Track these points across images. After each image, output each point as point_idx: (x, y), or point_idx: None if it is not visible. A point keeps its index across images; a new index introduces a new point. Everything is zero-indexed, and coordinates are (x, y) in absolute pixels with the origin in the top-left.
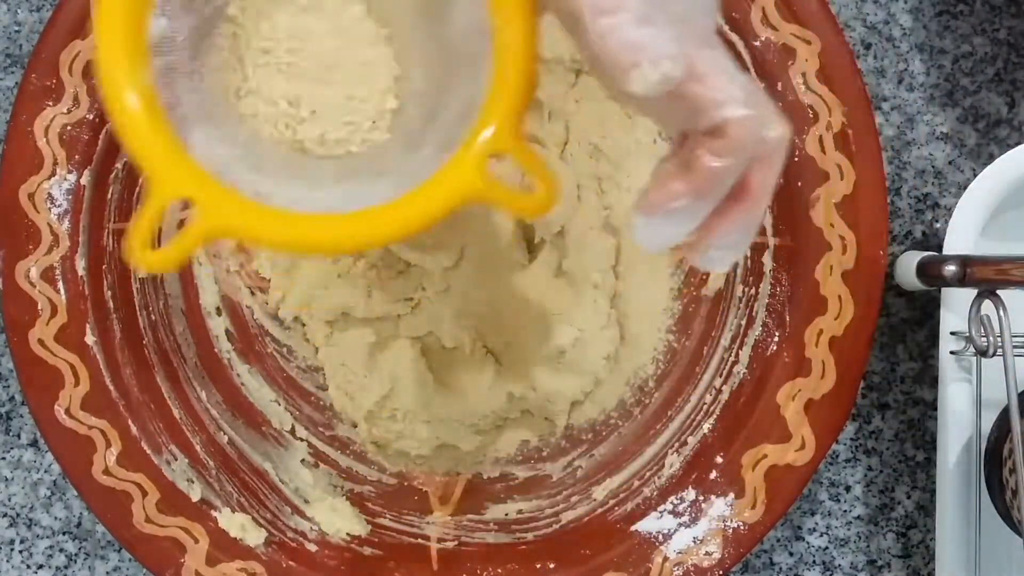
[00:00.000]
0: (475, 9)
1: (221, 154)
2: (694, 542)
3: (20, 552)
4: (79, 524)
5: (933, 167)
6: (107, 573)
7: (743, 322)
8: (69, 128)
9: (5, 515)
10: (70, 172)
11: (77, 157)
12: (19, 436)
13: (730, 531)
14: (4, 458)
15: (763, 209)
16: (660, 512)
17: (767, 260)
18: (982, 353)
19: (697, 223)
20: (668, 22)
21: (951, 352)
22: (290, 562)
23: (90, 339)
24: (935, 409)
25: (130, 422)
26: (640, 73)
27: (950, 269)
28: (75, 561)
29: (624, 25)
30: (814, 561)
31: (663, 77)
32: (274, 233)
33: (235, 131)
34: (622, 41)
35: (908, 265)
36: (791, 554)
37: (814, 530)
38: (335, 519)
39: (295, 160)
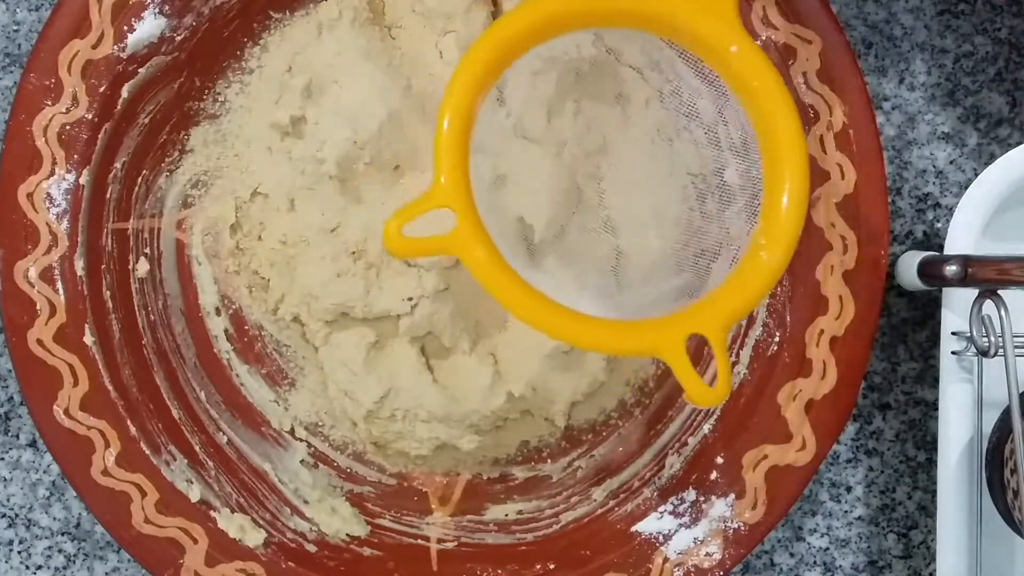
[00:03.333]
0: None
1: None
2: (694, 543)
3: (19, 553)
4: (78, 525)
5: (934, 167)
6: (106, 574)
7: (744, 322)
8: (68, 128)
9: (4, 516)
10: (69, 172)
11: (76, 157)
12: (18, 436)
13: (731, 532)
14: (3, 458)
15: None
16: (660, 513)
17: None
18: (983, 353)
19: None
20: None
21: (952, 352)
22: (289, 563)
23: (89, 339)
24: (936, 409)
25: (129, 422)
26: None
27: (951, 269)
28: (74, 562)
29: None
30: (815, 562)
31: None
32: (495, 284)
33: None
34: None
35: (909, 265)
36: (792, 555)
37: (815, 531)
38: (334, 520)
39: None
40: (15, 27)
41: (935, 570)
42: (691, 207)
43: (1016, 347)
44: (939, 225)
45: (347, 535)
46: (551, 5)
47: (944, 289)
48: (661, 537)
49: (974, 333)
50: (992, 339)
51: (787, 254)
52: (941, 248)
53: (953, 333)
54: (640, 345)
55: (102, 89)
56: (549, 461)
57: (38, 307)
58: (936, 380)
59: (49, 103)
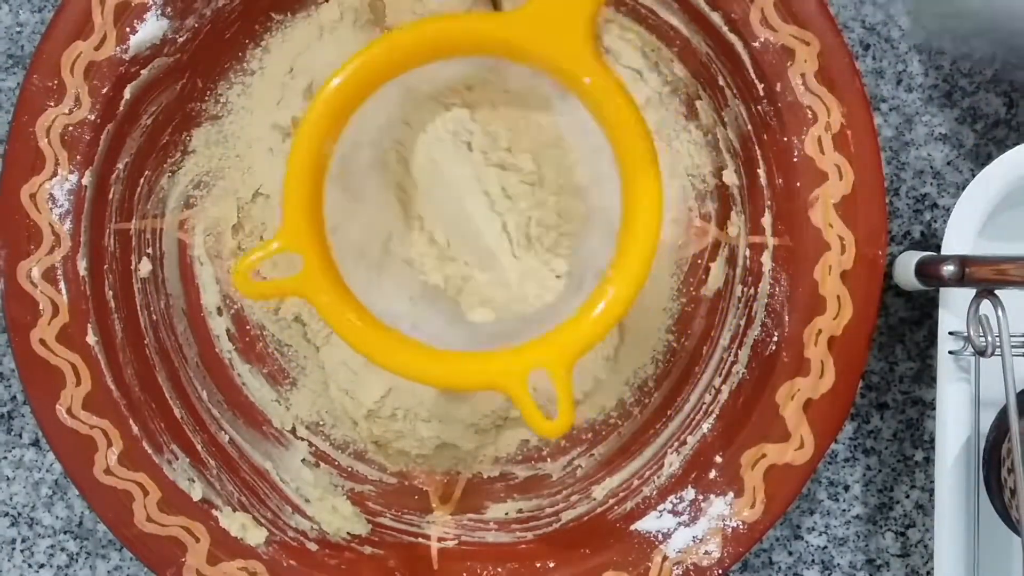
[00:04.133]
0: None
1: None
2: (694, 541)
3: (22, 551)
4: (80, 523)
5: (932, 167)
6: (108, 572)
7: (742, 322)
8: (71, 129)
9: (7, 514)
10: (71, 173)
11: (78, 158)
12: (21, 436)
13: (729, 530)
14: (6, 458)
15: None
16: (660, 511)
17: (766, 260)
18: (980, 353)
19: None
20: None
21: (949, 352)
22: (291, 561)
23: (91, 339)
24: (934, 409)
25: (131, 422)
26: None
27: (948, 269)
28: (76, 560)
29: None
30: (813, 560)
31: None
32: (341, 326)
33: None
34: None
35: (907, 265)
36: (790, 553)
37: (813, 529)
38: (335, 518)
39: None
40: (18, 28)
41: (933, 568)
42: (690, 207)
43: (1013, 347)
44: (936, 225)
45: (348, 533)
46: (401, 40)
47: (941, 289)
48: (660, 536)
49: (971, 333)
50: (989, 339)
51: (634, 289)
52: (938, 248)
53: (950, 333)
54: (482, 381)
55: (105, 90)
56: (549, 460)
57: (41, 307)
58: (933, 380)
59: (52, 104)
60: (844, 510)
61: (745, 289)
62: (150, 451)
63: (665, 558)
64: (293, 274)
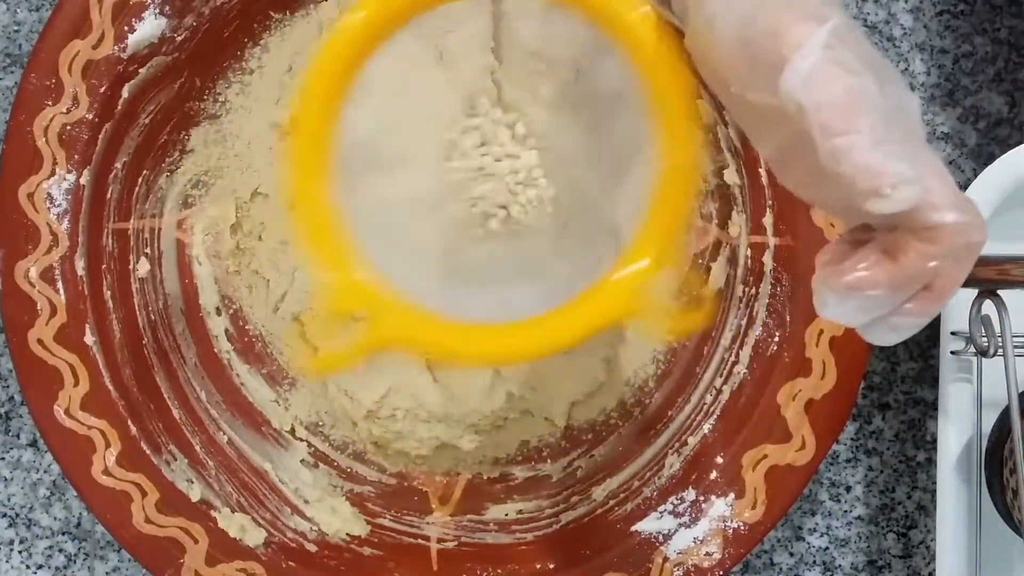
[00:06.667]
0: (636, 126)
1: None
2: (694, 542)
3: (19, 552)
4: (78, 524)
5: None
6: (106, 573)
7: (743, 322)
8: (68, 128)
9: (4, 515)
10: (69, 172)
11: (76, 157)
12: (18, 436)
13: (730, 531)
14: (3, 458)
15: (944, 304)
16: (660, 512)
17: (768, 260)
18: (983, 353)
19: (886, 311)
20: (900, 136)
21: (952, 352)
22: (290, 562)
23: (89, 339)
24: (936, 409)
25: (129, 422)
26: (879, 200)
27: None
28: (74, 561)
29: (858, 147)
30: (814, 561)
31: (903, 202)
32: (438, 345)
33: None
34: (858, 165)
35: None
36: (791, 554)
37: (814, 530)
38: (335, 519)
39: (452, 256)
40: (16, 27)
41: (934, 570)
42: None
43: (1015, 347)
44: None
45: (347, 535)
46: None
47: None
48: (661, 537)
49: (973, 333)
50: (991, 339)
51: (691, 148)
52: None
53: (953, 333)
54: (600, 318)
55: (103, 89)
56: (549, 461)
57: (39, 307)
58: (936, 380)
59: (50, 103)
60: (846, 511)
61: (746, 289)
62: (148, 452)
63: (666, 559)
64: None
